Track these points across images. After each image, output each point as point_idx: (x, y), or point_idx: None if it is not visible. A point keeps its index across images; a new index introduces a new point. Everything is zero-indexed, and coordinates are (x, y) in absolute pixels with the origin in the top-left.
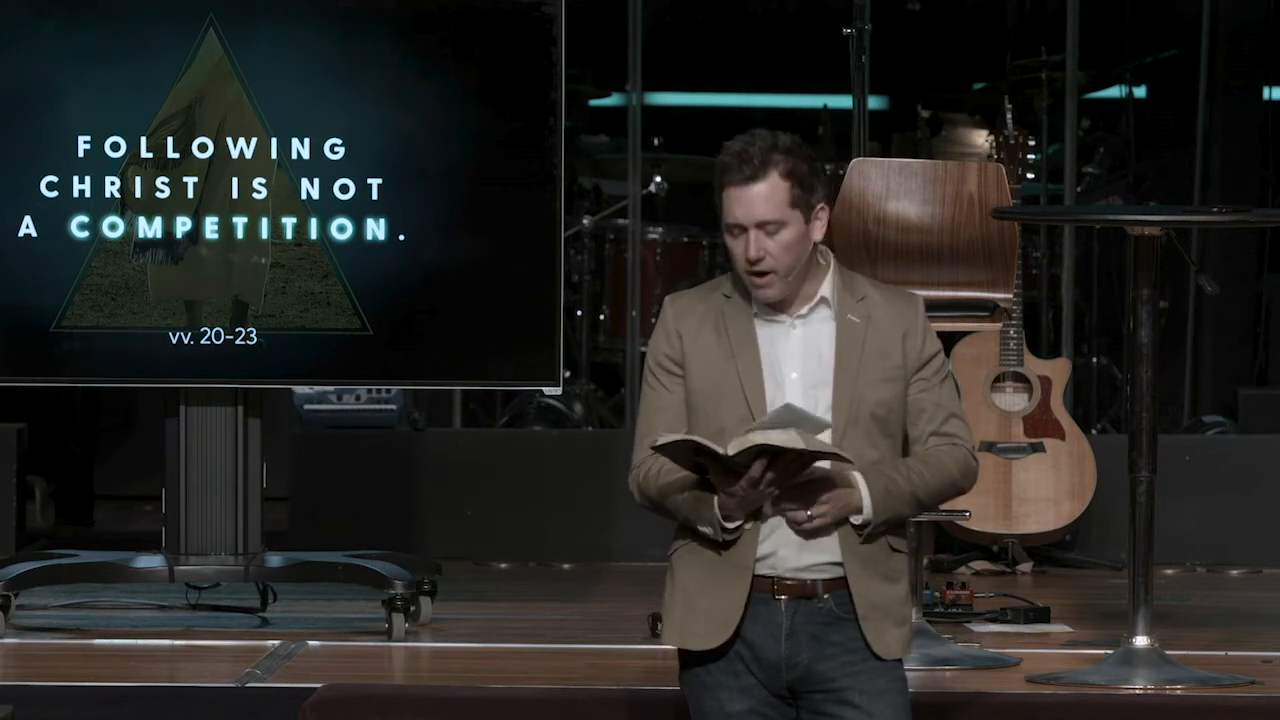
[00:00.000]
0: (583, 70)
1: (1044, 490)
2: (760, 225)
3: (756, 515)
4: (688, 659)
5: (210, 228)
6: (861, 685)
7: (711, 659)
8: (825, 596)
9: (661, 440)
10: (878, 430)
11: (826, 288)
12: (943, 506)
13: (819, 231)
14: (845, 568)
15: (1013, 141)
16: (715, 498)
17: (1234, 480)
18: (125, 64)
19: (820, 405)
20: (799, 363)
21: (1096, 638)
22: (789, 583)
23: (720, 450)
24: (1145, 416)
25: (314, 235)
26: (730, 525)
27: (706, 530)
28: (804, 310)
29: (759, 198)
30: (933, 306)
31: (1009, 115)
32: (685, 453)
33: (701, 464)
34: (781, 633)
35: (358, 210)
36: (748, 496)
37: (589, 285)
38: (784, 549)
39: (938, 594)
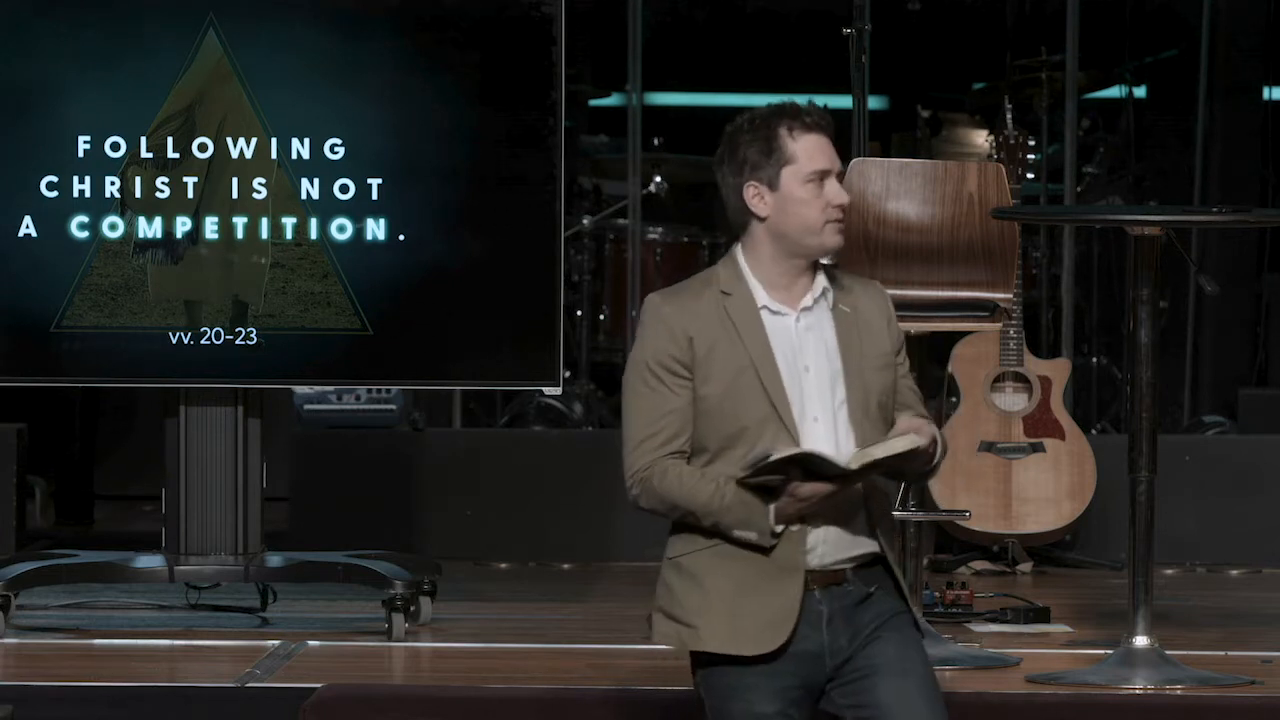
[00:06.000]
0: (583, 70)
1: (1044, 490)
2: (838, 175)
3: (804, 519)
4: (715, 660)
5: (210, 228)
6: (889, 631)
7: (752, 661)
8: (851, 577)
9: (778, 455)
10: (880, 417)
11: (822, 279)
12: (942, 506)
13: None
14: (885, 553)
15: (1013, 141)
16: (771, 505)
17: (1234, 480)
18: (125, 64)
19: (838, 396)
20: (811, 355)
21: (1096, 638)
22: (821, 573)
23: (843, 465)
24: (1145, 416)
25: (314, 235)
26: (779, 530)
27: (749, 536)
28: (809, 302)
29: (831, 148)
30: (933, 306)
31: (1009, 115)
32: (777, 466)
33: (786, 473)
34: (822, 621)
35: (358, 210)
36: (812, 502)
37: (589, 285)
38: (823, 545)
39: (938, 594)
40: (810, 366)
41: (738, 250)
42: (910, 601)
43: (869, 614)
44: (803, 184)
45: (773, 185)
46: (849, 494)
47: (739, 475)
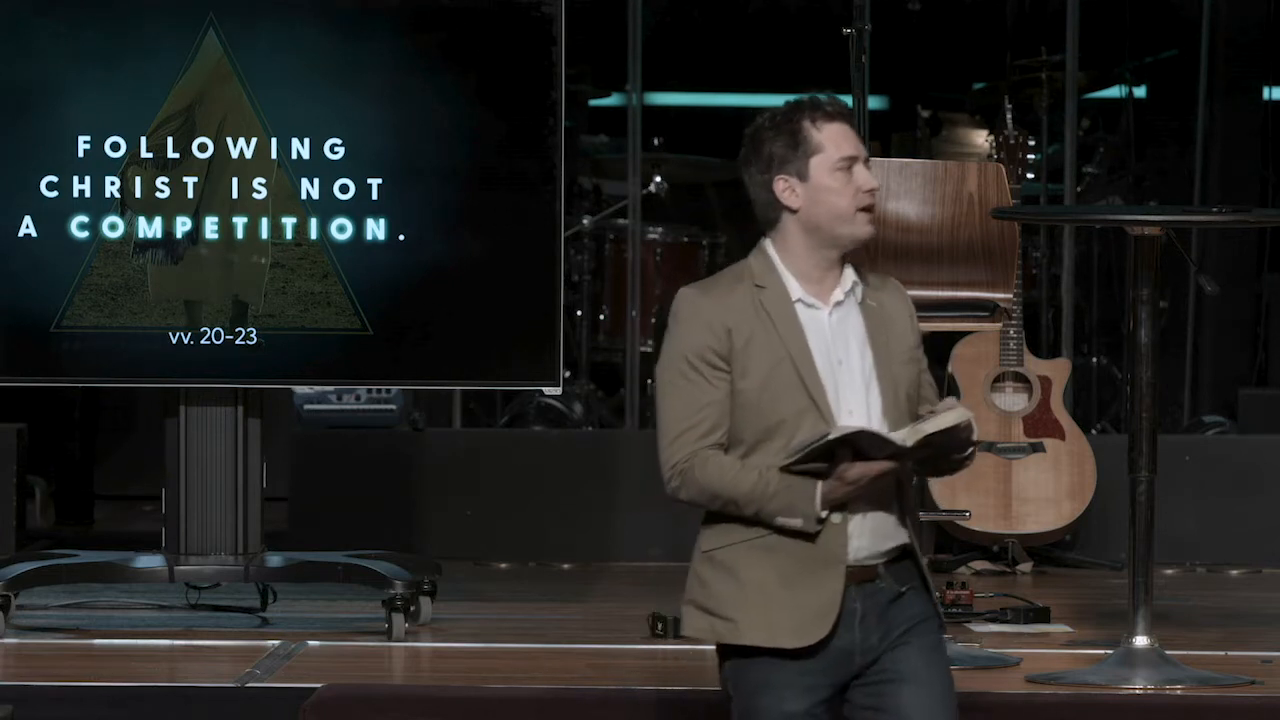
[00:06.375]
0: (583, 70)
1: (1044, 490)
2: (864, 160)
3: (843, 506)
4: (747, 653)
5: (210, 228)
6: (917, 637)
7: (786, 656)
8: (883, 574)
9: (836, 433)
10: (907, 410)
11: (850, 273)
12: (942, 506)
13: None
14: (914, 546)
15: (1013, 141)
16: (818, 486)
17: (1234, 480)
18: (125, 64)
19: (871, 389)
20: (844, 348)
21: (1096, 638)
22: (856, 570)
23: (899, 441)
24: (1145, 416)
25: (314, 235)
26: (824, 516)
27: (794, 522)
28: (840, 296)
29: (855, 134)
30: (933, 306)
31: (1009, 115)
32: (829, 447)
33: (835, 456)
34: (855, 619)
35: (358, 210)
36: (859, 486)
37: (589, 285)
38: (859, 539)
39: (938, 594)
40: (844, 360)
41: (768, 244)
42: (935, 600)
43: (900, 615)
44: (832, 172)
45: (802, 176)
46: (884, 484)
47: (784, 461)
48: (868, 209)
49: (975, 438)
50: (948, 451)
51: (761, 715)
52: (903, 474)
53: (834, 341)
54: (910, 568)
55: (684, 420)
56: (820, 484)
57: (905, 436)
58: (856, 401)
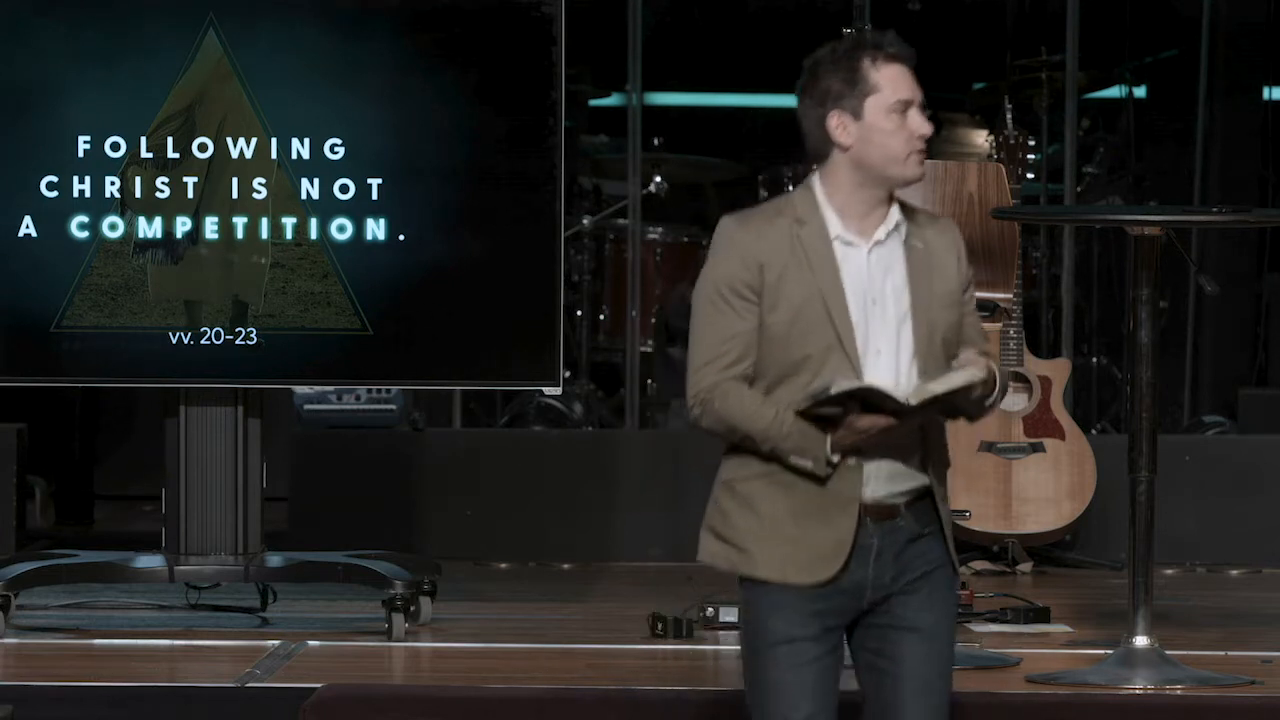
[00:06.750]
0: (582, 70)
1: (1044, 490)
2: (920, 105)
3: (858, 451)
4: (762, 580)
5: (210, 228)
6: (931, 586)
7: (802, 587)
8: (904, 514)
9: (838, 389)
10: (944, 355)
11: (896, 212)
12: None
13: None
14: (933, 488)
15: (1013, 141)
16: (829, 435)
17: (1234, 480)
18: (125, 64)
19: (903, 331)
20: (880, 288)
21: (1096, 638)
22: (875, 507)
23: (904, 400)
24: (1145, 416)
25: (314, 235)
26: (835, 460)
27: (806, 464)
28: (881, 235)
29: (913, 78)
30: None
31: (1009, 115)
32: (837, 399)
33: (845, 407)
34: (870, 555)
35: (358, 210)
36: (869, 435)
37: (589, 285)
38: (874, 482)
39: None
40: (878, 300)
41: (814, 180)
42: (951, 546)
43: (918, 558)
44: (887, 114)
45: (857, 115)
46: (903, 432)
47: (799, 406)
48: (921, 152)
49: (995, 394)
50: (961, 408)
51: (768, 636)
52: (928, 419)
53: (870, 281)
54: (930, 510)
55: (711, 350)
56: (831, 433)
57: (911, 395)
58: (886, 341)
